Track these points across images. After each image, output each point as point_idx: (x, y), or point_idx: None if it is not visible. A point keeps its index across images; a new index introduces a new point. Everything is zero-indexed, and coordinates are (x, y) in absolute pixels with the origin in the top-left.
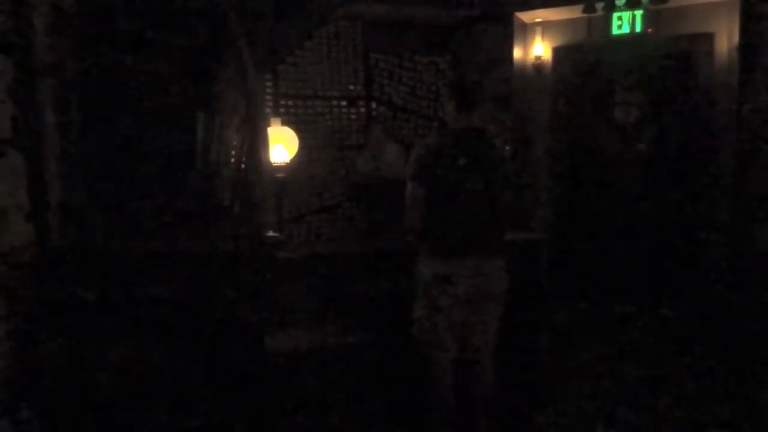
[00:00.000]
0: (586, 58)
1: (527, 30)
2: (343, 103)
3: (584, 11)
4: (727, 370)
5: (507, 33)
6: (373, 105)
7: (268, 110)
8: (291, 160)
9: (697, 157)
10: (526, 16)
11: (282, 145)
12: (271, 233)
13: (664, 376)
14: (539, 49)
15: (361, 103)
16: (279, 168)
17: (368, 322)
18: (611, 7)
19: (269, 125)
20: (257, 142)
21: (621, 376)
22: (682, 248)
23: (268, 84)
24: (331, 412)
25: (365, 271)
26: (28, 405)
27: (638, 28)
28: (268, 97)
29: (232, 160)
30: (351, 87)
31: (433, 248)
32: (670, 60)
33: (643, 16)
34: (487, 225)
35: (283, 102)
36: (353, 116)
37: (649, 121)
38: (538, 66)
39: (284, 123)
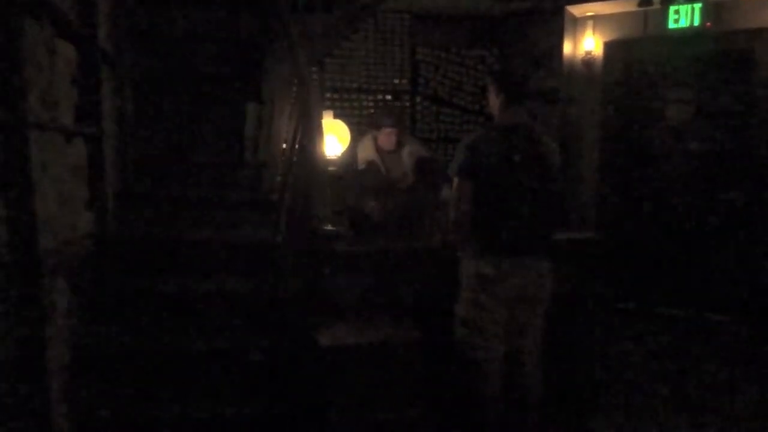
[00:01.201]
0: (639, 54)
1: (578, 24)
2: (388, 96)
3: (640, 5)
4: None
5: (557, 27)
6: (418, 99)
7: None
8: (342, 154)
9: (752, 159)
10: (577, 10)
11: (335, 138)
12: (329, 227)
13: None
14: (590, 44)
15: (406, 97)
16: (331, 161)
17: (421, 318)
18: (670, 0)
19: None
20: (312, 134)
21: (667, 381)
22: (736, 251)
23: (315, 77)
24: (377, 410)
25: (417, 267)
26: (87, 394)
27: (696, 22)
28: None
29: (283, 151)
30: (396, 81)
31: (478, 246)
32: (728, 56)
33: (702, 10)
34: (536, 224)
35: (328, 95)
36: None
37: (704, 119)
38: (589, 61)
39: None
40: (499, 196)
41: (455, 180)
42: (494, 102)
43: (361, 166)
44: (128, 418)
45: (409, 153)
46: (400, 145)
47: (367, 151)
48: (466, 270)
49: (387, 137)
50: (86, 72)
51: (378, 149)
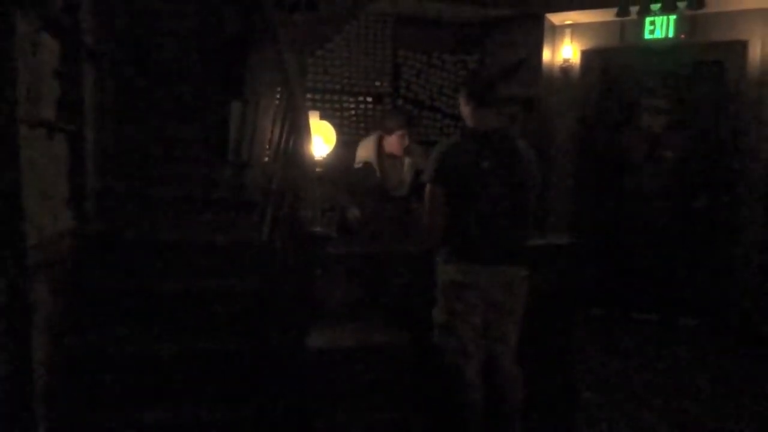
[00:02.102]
0: (615, 62)
1: (557, 32)
2: (369, 99)
3: (618, 14)
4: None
5: (537, 34)
6: (400, 102)
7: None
8: (328, 155)
9: (725, 166)
10: (555, 18)
11: (321, 139)
12: (317, 228)
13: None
14: (568, 52)
15: (388, 100)
16: (317, 162)
17: (409, 321)
18: (646, 10)
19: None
20: (300, 134)
21: (643, 385)
22: (707, 257)
23: (300, 76)
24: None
25: (405, 270)
26: (64, 396)
27: (671, 34)
28: None
29: (268, 151)
30: (378, 83)
31: (451, 253)
32: (701, 67)
33: (677, 22)
34: (509, 230)
35: (310, 95)
36: (379, 113)
37: (678, 128)
38: (567, 68)
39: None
40: (470, 202)
41: (428, 187)
42: (465, 109)
43: (357, 164)
44: (108, 421)
45: (411, 164)
46: (405, 152)
47: (367, 152)
48: (440, 276)
49: (397, 140)
50: (69, 66)
51: (380, 152)
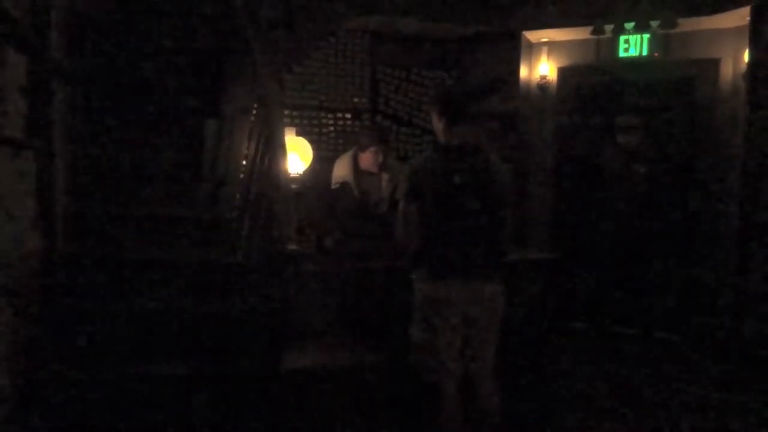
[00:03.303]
0: (591, 80)
1: (533, 49)
2: (348, 115)
3: (593, 33)
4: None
5: (514, 51)
6: (378, 118)
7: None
8: (304, 172)
9: (696, 180)
10: (532, 36)
11: (297, 156)
12: (293, 246)
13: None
14: (545, 69)
15: (366, 116)
16: (293, 179)
17: (385, 340)
18: (620, 29)
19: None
20: (275, 152)
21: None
22: (682, 271)
23: (277, 93)
24: None
25: (384, 288)
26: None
27: (645, 52)
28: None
29: (243, 168)
30: (356, 99)
31: (426, 269)
32: (673, 83)
33: (650, 40)
34: (484, 246)
35: (287, 112)
36: (357, 129)
37: (651, 143)
38: (544, 85)
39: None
40: (442, 218)
41: (401, 203)
42: (437, 125)
43: (335, 185)
44: None
45: (389, 180)
46: (382, 168)
47: (343, 170)
48: (416, 293)
49: (371, 157)
50: (37, 84)
51: (357, 170)
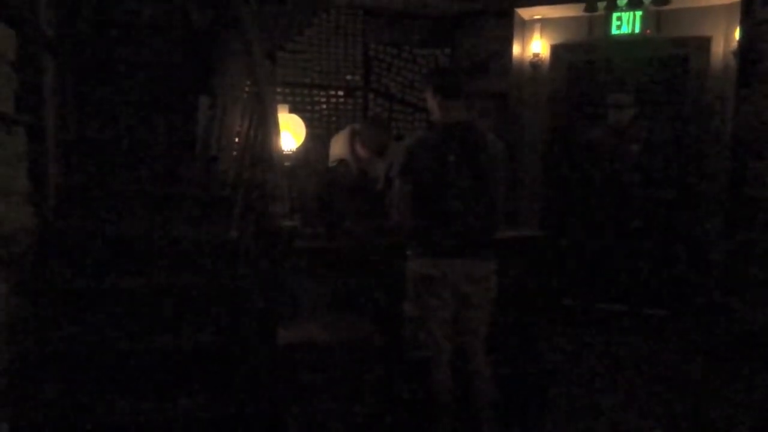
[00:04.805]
0: (583, 57)
1: (526, 27)
2: (341, 93)
3: (586, 10)
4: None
5: (507, 29)
6: (371, 96)
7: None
8: (297, 149)
9: (686, 158)
10: (525, 13)
11: (289, 133)
12: (288, 222)
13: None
14: (537, 46)
15: (359, 93)
16: (286, 156)
17: (382, 317)
18: (613, 6)
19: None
20: (268, 128)
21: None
22: (672, 248)
23: (269, 69)
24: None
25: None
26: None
27: (637, 29)
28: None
29: (237, 145)
30: (349, 77)
31: (420, 247)
32: (665, 61)
33: (643, 17)
34: (476, 224)
35: (280, 89)
36: (350, 107)
37: (643, 121)
38: (536, 63)
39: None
40: (437, 196)
41: (396, 181)
42: (431, 102)
43: (332, 163)
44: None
45: (389, 163)
46: (381, 154)
47: (341, 149)
48: (410, 270)
49: (367, 154)
50: (27, 58)
51: (354, 148)
